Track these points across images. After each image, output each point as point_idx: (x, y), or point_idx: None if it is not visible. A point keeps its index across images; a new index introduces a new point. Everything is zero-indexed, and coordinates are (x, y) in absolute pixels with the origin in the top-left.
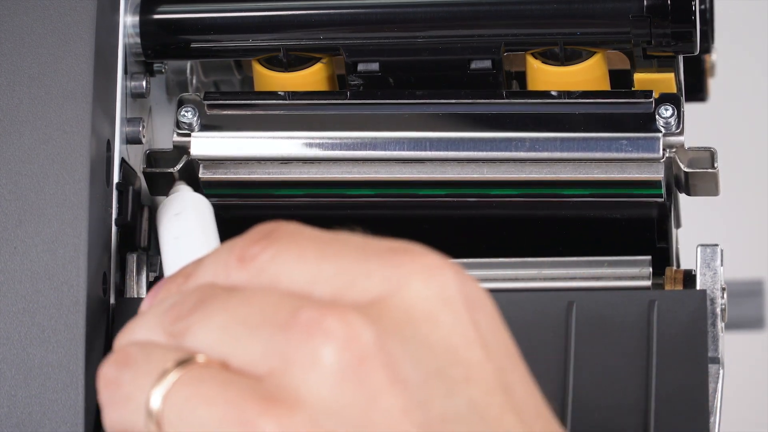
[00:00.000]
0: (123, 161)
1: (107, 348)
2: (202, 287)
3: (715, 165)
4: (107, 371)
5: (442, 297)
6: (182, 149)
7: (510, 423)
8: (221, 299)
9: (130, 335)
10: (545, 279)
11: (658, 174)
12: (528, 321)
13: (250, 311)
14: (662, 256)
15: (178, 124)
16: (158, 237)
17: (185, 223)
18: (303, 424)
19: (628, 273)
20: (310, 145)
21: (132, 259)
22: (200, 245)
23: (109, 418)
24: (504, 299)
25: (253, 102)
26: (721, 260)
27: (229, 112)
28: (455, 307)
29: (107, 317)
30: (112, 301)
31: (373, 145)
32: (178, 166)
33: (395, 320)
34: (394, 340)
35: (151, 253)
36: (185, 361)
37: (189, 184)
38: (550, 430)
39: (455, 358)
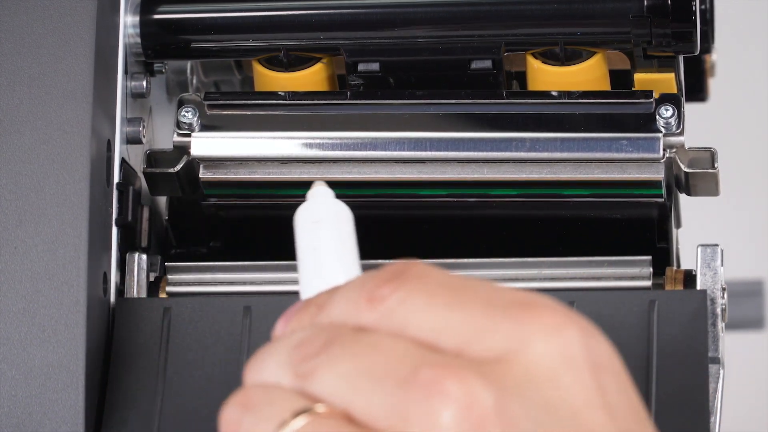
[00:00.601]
0: (123, 161)
1: (107, 348)
2: (331, 327)
3: (716, 165)
4: (230, 412)
5: (565, 357)
6: (182, 149)
7: None
8: (348, 343)
9: (260, 371)
10: (545, 279)
11: (658, 174)
12: None
13: (374, 361)
14: (662, 256)
15: (178, 124)
16: (296, 244)
17: (325, 234)
18: None
19: (629, 273)
20: (311, 145)
21: (132, 259)
22: (338, 257)
23: None
24: None
25: (253, 102)
26: (721, 260)
27: (230, 113)
28: (578, 368)
29: (107, 317)
30: (112, 301)
31: (373, 145)
32: (179, 166)
33: (516, 380)
34: (514, 401)
35: (151, 253)
36: (309, 410)
37: (188, 184)
38: None
39: (576, 420)
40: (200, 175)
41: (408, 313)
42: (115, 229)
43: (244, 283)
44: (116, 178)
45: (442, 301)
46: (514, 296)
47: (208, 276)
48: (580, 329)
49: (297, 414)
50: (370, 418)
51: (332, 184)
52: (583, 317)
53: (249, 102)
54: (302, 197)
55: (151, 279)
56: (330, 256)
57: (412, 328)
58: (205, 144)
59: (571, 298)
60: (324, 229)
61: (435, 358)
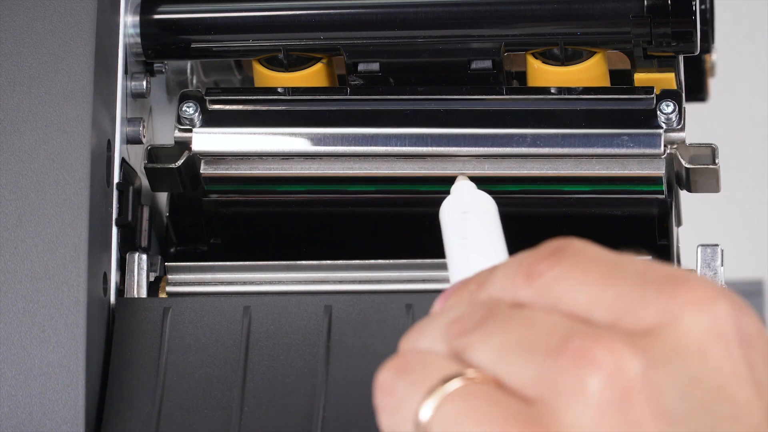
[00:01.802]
0: (123, 161)
1: (107, 348)
2: (488, 303)
3: (716, 161)
4: (385, 376)
5: (714, 331)
6: (184, 145)
7: None
8: (504, 318)
9: (415, 340)
10: None
11: (659, 170)
12: None
13: (528, 333)
14: (663, 254)
15: (179, 120)
16: (443, 234)
17: (473, 223)
18: None
19: None
20: (312, 141)
21: (132, 259)
22: (488, 246)
23: (381, 423)
24: None
25: (254, 98)
26: (721, 260)
27: (231, 108)
28: (727, 342)
29: (107, 317)
30: (112, 301)
31: (374, 141)
32: (180, 162)
33: (665, 352)
34: (662, 372)
35: (151, 252)
36: (460, 376)
37: (189, 180)
38: None
39: (722, 394)
40: (201, 171)
41: (563, 289)
42: (115, 229)
43: (244, 283)
44: (116, 178)
45: (596, 277)
46: (666, 272)
47: (208, 276)
48: (731, 304)
49: (449, 379)
50: (520, 385)
51: (333, 180)
52: (734, 293)
53: (250, 98)
54: (303, 193)
55: (151, 279)
56: (480, 244)
57: (567, 303)
58: (206, 139)
59: None
60: (472, 219)
61: (586, 329)
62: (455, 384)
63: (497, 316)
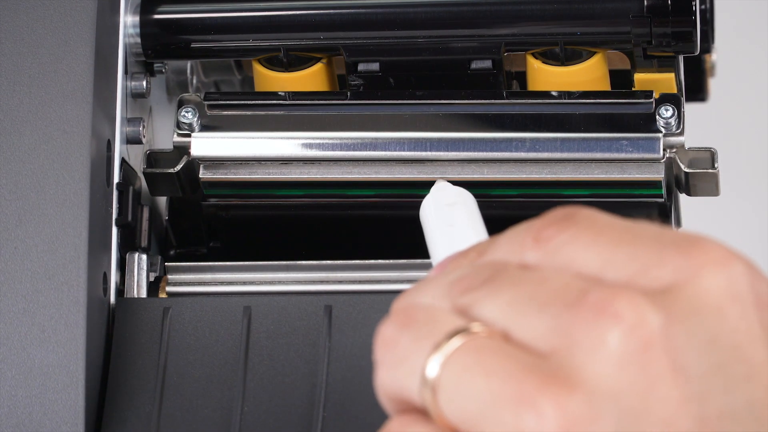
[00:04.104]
0: (123, 161)
1: (107, 348)
2: (494, 263)
3: (716, 165)
4: (386, 330)
5: (731, 292)
6: (183, 149)
7: None
8: (513, 276)
9: (413, 297)
10: None
11: (658, 174)
12: None
13: (539, 289)
14: None
15: (178, 125)
16: (427, 226)
17: (459, 213)
18: (580, 405)
19: None
20: (311, 145)
21: (132, 259)
22: (473, 232)
23: (381, 378)
24: None
25: (253, 102)
26: None
27: (230, 113)
28: (743, 303)
29: (107, 317)
30: (112, 301)
31: (373, 145)
32: (179, 167)
33: (683, 310)
34: (680, 330)
35: (151, 253)
36: (468, 330)
37: (188, 184)
38: None
39: (738, 355)
40: (200, 176)
41: (575, 250)
42: (115, 229)
43: (244, 283)
44: (116, 178)
45: (609, 239)
46: (681, 234)
47: (208, 276)
48: (746, 266)
49: (455, 333)
50: (532, 339)
51: (332, 185)
52: (748, 257)
53: (249, 102)
54: (302, 197)
55: (151, 279)
56: (468, 231)
57: (579, 263)
58: (205, 144)
59: None
60: (458, 210)
61: (604, 284)
62: (461, 339)
63: (505, 274)
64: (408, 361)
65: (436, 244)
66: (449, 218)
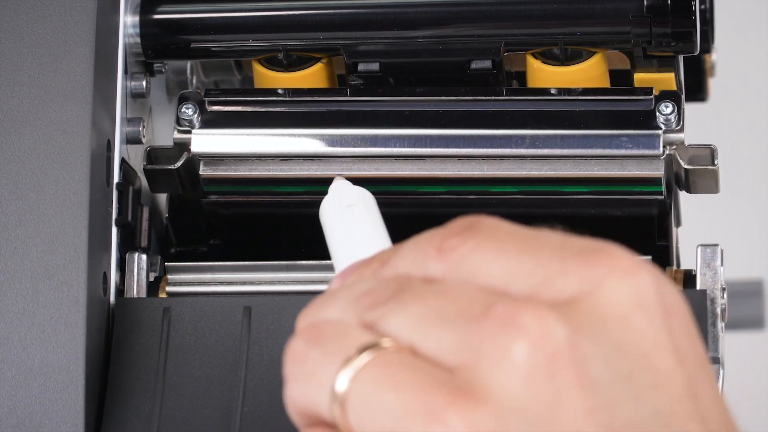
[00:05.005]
0: (123, 161)
1: (107, 348)
2: (399, 277)
3: (716, 162)
4: (296, 345)
5: (636, 300)
6: (183, 146)
7: None
8: (418, 291)
9: (320, 313)
10: None
11: (658, 171)
12: None
13: (445, 303)
14: (662, 255)
15: (178, 121)
16: (327, 229)
17: (358, 214)
18: (488, 419)
19: None
20: (311, 142)
21: (132, 259)
22: (375, 236)
23: (291, 393)
24: None
25: (253, 99)
26: (721, 260)
27: (230, 109)
28: (649, 312)
29: (107, 317)
30: (112, 301)
31: (373, 142)
32: (179, 163)
33: (588, 321)
34: (586, 340)
35: (151, 252)
36: (377, 345)
37: (189, 181)
38: None
39: (645, 363)
40: (201, 172)
41: (478, 261)
42: (115, 229)
43: (244, 283)
44: (116, 178)
45: (512, 248)
46: (585, 243)
47: (208, 276)
48: (651, 274)
49: (364, 349)
50: (439, 353)
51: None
52: (652, 264)
53: (249, 99)
54: (303, 194)
55: (151, 279)
56: (368, 233)
57: (483, 275)
58: (205, 141)
59: None
60: (357, 211)
61: (509, 297)
62: (370, 355)
63: (410, 289)
64: (317, 375)
65: (338, 249)
66: (349, 221)
